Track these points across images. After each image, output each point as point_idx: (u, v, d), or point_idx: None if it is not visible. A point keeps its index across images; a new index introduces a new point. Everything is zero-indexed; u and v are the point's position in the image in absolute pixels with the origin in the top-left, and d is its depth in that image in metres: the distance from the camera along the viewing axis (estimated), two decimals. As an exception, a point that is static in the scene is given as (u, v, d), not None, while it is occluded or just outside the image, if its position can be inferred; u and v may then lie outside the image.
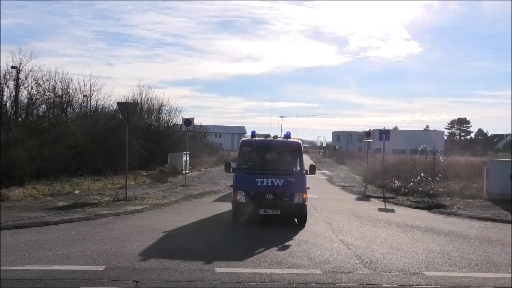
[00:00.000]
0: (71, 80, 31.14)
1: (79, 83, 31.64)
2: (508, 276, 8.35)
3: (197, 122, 38.80)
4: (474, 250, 10.43)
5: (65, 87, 30.14)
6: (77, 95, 31.21)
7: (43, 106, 27.74)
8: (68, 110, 31.21)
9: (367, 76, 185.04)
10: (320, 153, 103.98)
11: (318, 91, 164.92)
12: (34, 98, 25.57)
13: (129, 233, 11.43)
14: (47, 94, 28.32)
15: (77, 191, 19.37)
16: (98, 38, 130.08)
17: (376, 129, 33.73)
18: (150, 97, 41.12)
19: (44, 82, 27.28)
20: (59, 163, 23.10)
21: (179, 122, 31.73)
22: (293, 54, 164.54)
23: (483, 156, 57.67)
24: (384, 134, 25.99)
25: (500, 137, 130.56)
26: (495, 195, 19.83)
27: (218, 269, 8.15)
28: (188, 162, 31.31)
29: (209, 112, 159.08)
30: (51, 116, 28.00)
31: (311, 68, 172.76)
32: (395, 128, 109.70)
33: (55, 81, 29.31)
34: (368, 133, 28.70)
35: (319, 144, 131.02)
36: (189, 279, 7.51)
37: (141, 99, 39.88)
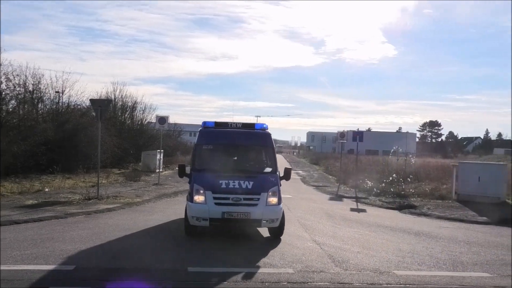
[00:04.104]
0: (43, 76, 30.40)
1: (51, 79, 30.81)
2: (474, 275, 8.57)
3: (171, 120, 38.46)
4: (443, 250, 10.65)
5: (36, 82, 29.42)
6: (49, 91, 30.48)
7: (13, 101, 27.04)
8: (39, 106, 30.51)
9: (342, 78, 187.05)
10: (294, 153, 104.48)
11: (293, 91, 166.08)
12: (3, 93, 24.94)
13: (100, 232, 11.28)
14: (17, 89, 27.61)
15: (47, 189, 19.01)
16: (70, 33, 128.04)
17: (350, 130, 34.13)
18: (124, 94, 40.51)
19: (14, 77, 26.52)
20: (28, 160, 22.64)
21: (153, 120, 31.48)
22: (269, 53, 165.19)
23: (453, 158, 58.89)
24: (357, 135, 26.32)
25: (469, 139, 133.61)
26: (463, 196, 20.26)
27: (190, 269, 8.12)
28: (162, 160, 31.07)
29: (184, 111, 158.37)
30: (21, 112, 27.38)
31: (287, 68, 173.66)
32: (369, 130, 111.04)
33: (25, 76, 28.60)
34: (342, 134, 29.03)
35: (293, 144, 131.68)
36: (161, 279, 7.47)
37: (114, 96, 39.26)
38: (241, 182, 10.61)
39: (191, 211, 10.65)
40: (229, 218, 10.33)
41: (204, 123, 12.13)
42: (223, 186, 10.51)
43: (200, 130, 12.06)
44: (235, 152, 11.98)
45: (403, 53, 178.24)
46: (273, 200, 10.66)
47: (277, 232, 11.03)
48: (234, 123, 12.14)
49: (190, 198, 10.80)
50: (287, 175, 11.48)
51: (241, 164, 11.72)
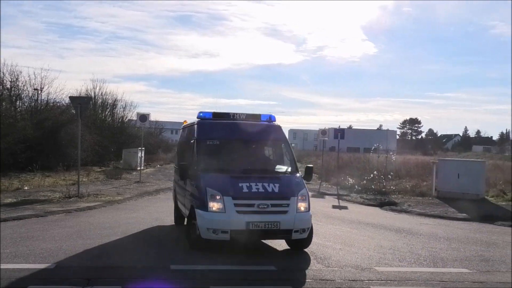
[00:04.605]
0: (21, 73, 29.86)
1: (29, 76, 30.43)
2: (454, 270, 8.69)
3: (153, 118, 38.19)
4: (423, 246, 10.77)
5: (14, 79, 29.02)
6: (27, 88, 30.11)
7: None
8: (17, 103, 30.09)
9: (323, 75, 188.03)
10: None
11: (275, 89, 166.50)
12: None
13: (81, 230, 11.16)
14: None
15: (26, 188, 18.74)
16: (49, 30, 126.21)
17: (332, 128, 34.26)
18: (104, 92, 40.23)
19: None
20: (7, 158, 22.30)
21: (134, 118, 31.25)
22: (251, 51, 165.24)
23: (433, 156, 59.65)
24: (339, 132, 26.53)
25: (449, 137, 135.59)
26: (443, 193, 20.53)
27: (173, 266, 8.08)
28: (143, 158, 30.87)
29: (166, 108, 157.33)
30: (-2, 109, 26.95)
31: (268, 65, 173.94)
32: (350, 127, 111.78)
33: (3, 73, 28.22)
34: (323, 132, 29.15)
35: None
36: (143, 277, 7.41)
37: (94, 93, 38.96)
38: (265, 184, 8.93)
39: (205, 221, 8.67)
40: (255, 229, 8.59)
41: (201, 113, 10.41)
42: (245, 190, 8.76)
43: (199, 122, 10.29)
44: (246, 148, 10.29)
45: (383, 51, 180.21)
46: (303, 205, 9.09)
47: (303, 244, 9.48)
48: (236, 114, 10.43)
49: (202, 206, 8.79)
50: (308, 175, 10.14)
51: (255, 163, 10.05)
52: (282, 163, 10.27)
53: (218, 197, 8.65)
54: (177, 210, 12.19)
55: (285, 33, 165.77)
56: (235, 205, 8.62)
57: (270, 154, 10.82)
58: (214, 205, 8.65)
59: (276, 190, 8.95)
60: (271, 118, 10.58)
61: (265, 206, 8.70)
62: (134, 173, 27.77)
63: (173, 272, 7.80)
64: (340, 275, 7.97)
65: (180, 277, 7.47)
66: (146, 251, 9.31)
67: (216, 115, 10.38)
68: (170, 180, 25.09)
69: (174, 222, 12.45)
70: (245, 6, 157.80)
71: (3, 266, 7.70)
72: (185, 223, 10.31)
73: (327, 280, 7.70)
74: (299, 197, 9.05)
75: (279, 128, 10.55)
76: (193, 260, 8.63)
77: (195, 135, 10.01)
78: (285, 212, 8.84)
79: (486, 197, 20.16)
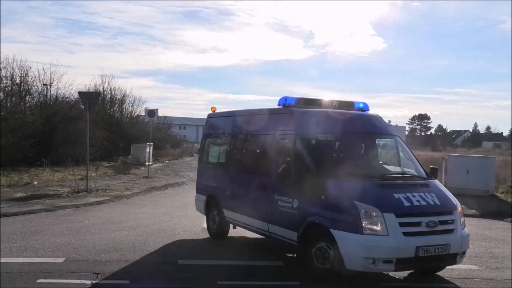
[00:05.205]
0: (30, 68, 30.03)
1: (38, 71, 30.53)
2: (463, 267, 8.64)
3: (161, 113, 38.25)
4: (432, 242, 10.69)
5: (24, 75, 29.18)
6: (36, 83, 30.27)
7: (0, 94, 26.88)
8: (27, 98, 30.28)
9: (331, 71, 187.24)
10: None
11: (283, 85, 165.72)
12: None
13: (89, 225, 11.23)
14: (4, 82, 27.44)
15: (36, 182, 18.87)
16: (58, 25, 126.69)
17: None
18: (112, 87, 40.26)
19: (1, 70, 26.40)
20: (16, 153, 22.45)
21: (143, 113, 31.34)
22: (259, 46, 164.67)
23: (442, 151, 59.30)
24: (347, 128, 26.31)
25: (458, 133, 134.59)
26: (452, 189, 20.08)
27: (180, 261, 8.11)
28: (151, 153, 30.92)
29: (174, 104, 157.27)
30: (8, 104, 27.15)
31: (276, 61, 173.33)
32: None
33: (12, 68, 28.37)
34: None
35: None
36: (151, 271, 7.45)
37: (103, 88, 39.01)
38: (421, 194, 6.85)
39: (359, 248, 6.38)
40: (424, 256, 6.46)
41: (286, 99, 8.07)
42: (406, 203, 6.61)
43: (294, 110, 7.95)
44: (367, 146, 8.38)
45: (392, 46, 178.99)
46: (463, 221, 7.20)
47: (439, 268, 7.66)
48: (328, 101, 8.45)
49: (349, 226, 6.48)
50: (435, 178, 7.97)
51: (384, 165, 8.26)
52: (406, 164, 8.24)
53: (375, 214, 6.42)
54: (222, 223, 9.76)
55: (293, 29, 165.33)
56: (400, 224, 6.46)
57: (392, 154, 8.73)
58: (373, 226, 6.42)
59: (437, 201, 6.91)
60: (363, 107, 8.63)
61: (435, 224, 6.62)
62: (143, 168, 27.84)
63: (181, 267, 7.83)
64: (348, 271, 7.94)
65: (188, 272, 7.50)
66: (154, 245, 9.34)
67: (304, 102, 8.23)
68: (178, 176, 25.15)
69: (211, 236, 10.15)
70: (253, 1, 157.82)
71: (14, 260, 7.78)
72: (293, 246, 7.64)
73: (335, 276, 7.67)
74: (460, 210, 7.18)
75: (382, 119, 8.61)
76: (201, 255, 8.66)
77: (294, 128, 7.73)
78: (451, 230, 6.82)
79: (495, 193, 20.00)
